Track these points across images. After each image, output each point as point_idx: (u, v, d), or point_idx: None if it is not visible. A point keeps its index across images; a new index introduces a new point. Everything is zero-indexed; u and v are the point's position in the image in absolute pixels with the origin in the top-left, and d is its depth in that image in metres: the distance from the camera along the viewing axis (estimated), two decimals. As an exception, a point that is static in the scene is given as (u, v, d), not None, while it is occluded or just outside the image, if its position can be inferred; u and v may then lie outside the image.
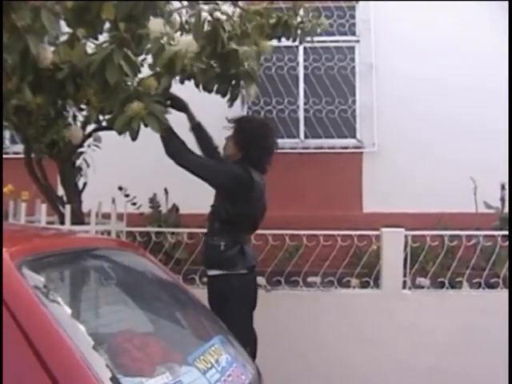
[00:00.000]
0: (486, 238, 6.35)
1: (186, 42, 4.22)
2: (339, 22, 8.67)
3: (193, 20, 4.66)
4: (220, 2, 4.67)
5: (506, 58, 8.06)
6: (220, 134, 4.84)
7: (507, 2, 7.91)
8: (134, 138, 4.21)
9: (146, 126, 4.17)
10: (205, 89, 4.86)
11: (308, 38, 5.47)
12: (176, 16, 4.84)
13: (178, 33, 4.50)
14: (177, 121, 4.57)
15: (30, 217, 5.65)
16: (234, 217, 4.67)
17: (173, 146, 4.54)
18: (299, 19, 5.26)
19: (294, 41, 5.38)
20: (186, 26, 4.93)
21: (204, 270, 4.95)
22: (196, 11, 4.54)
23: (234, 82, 4.92)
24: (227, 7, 4.86)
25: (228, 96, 4.97)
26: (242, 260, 4.68)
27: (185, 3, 5.01)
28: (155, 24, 4.21)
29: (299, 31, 5.29)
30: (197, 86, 4.74)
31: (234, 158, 4.76)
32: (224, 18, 4.54)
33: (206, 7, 4.56)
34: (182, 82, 4.71)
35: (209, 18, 4.49)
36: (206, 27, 4.50)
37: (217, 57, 4.65)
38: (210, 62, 4.70)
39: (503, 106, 7.76)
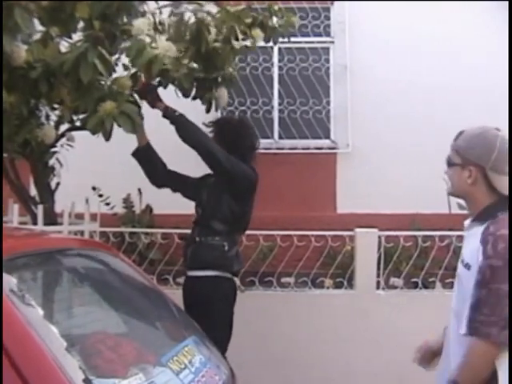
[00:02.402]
0: (458, 239, 6.38)
1: (165, 46, 4.21)
2: (314, 23, 8.67)
3: (172, 20, 4.65)
4: (203, 2, 4.63)
5: (481, 58, 8.15)
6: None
7: (486, 2, 8.00)
8: (107, 138, 4.18)
9: (119, 125, 4.15)
10: (184, 94, 4.84)
11: (282, 39, 5.47)
12: (149, 16, 4.81)
13: (163, 36, 4.48)
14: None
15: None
16: (238, 217, 4.69)
17: (189, 127, 4.54)
18: (274, 20, 5.25)
19: (269, 41, 5.37)
20: (160, 27, 4.89)
21: (180, 271, 4.93)
22: (179, 11, 4.53)
23: (213, 87, 4.92)
24: (211, 7, 4.83)
25: (205, 101, 4.98)
26: (237, 262, 4.71)
27: (161, 3, 5.00)
28: (140, 24, 4.20)
29: (274, 31, 5.26)
30: (180, 90, 4.70)
31: None
32: (209, 18, 4.50)
33: (190, 7, 4.54)
34: (165, 86, 4.67)
35: (192, 18, 4.47)
36: (190, 28, 4.47)
37: (200, 58, 4.63)
38: (190, 65, 4.68)
39: (479, 106, 7.82)
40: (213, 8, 4.81)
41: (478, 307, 2.63)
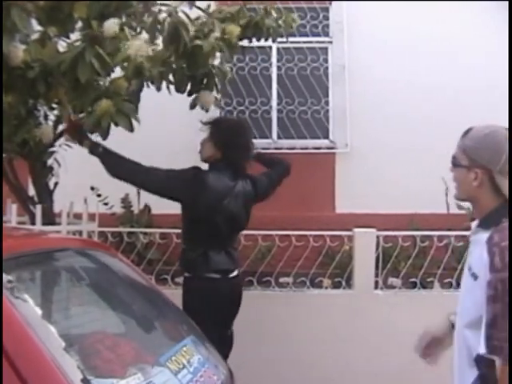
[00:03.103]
0: (457, 239, 6.39)
1: (135, 46, 4.19)
2: (312, 22, 8.67)
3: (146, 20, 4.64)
4: (177, 3, 4.57)
5: (480, 58, 8.14)
6: (197, 137, 4.82)
7: (485, 2, 8.01)
8: (104, 137, 4.19)
9: (116, 125, 4.15)
10: (177, 90, 4.84)
11: (282, 38, 5.47)
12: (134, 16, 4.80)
13: (143, 35, 4.47)
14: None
15: (1, 217, 5.61)
16: (187, 221, 4.75)
17: (113, 159, 4.56)
18: (271, 20, 5.24)
19: (267, 40, 5.37)
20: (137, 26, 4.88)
21: (179, 271, 4.96)
22: (152, 12, 4.51)
23: (204, 82, 4.92)
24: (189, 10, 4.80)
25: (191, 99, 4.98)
26: (204, 264, 4.65)
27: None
28: (110, 24, 4.19)
29: (271, 30, 5.25)
30: (157, 89, 4.67)
31: (213, 159, 4.78)
32: (185, 19, 4.46)
33: (164, 8, 4.52)
34: (147, 86, 4.66)
35: (168, 19, 4.44)
36: (167, 28, 4.45)
37: (181, 57, 4.61)
38: (178, 63, 4.67)
39: (478, 106, 7.82)
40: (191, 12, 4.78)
41: (495, 324, 2.49)
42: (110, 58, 4.19)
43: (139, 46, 4.18)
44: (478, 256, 2.65)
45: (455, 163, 2.84)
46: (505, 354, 2.45)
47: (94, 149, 4.52)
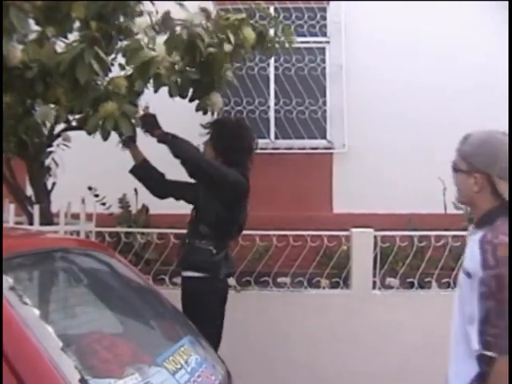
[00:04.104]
0: (454, 239, 6.38)
1: (163, 50, 4.21)
2: (310, 23, 8.67)
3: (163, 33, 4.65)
4: (195, 15, 4.59)
5: (479, 58, 8.14)
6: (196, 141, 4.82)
7: (484, 2, 8.01)
8: (105, 138, 4.19)
9: (116, 127, 4.15)
10: (180, 95, 4.83)
11: (280, 51, 5.49)
12: (146, 16, 4.80)
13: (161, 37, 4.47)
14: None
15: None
16: (226, 222, 4.70)
17: (181, 145, 4.56)
18: (272, 32, 5.24)
19: (265, 53, 5.42)
20: (157, 27, 4.89)
21: (176, 271, 4.95)
22: (170, 28, 4.51)
23: (207, 91, 4.93)
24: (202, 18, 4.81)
25: (201, 104, 4.99)
26: (226, 265, 4.72)
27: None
28: (142, 22, 4.20)
29: (269, 45, 5.24)
30: (170, 95, 4.69)
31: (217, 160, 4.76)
32: (200, 30, 4.48)
33: (179, 22, 4.52)
34: (155, 90, 4.66)
35: (185, 32, 4.45)
36: (183, 40, 4.46)
37: (197, 66, 4.63)
38: (185, 73, 4.67)
39: (477, 106, 7.83)
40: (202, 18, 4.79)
41: (488, 320, 2.55)
42: (126, 59, 4.22)
43: (163, 49, 4.22)
44: (471, 255, 2.71)
45: (455, 168, 2.90)
46: (499, 347, 2.50)
47: (165, 138, 4.56)
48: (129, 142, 4.83)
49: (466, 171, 2.83)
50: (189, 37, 4.40)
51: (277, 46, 5.26)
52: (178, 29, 4.48)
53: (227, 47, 4.59)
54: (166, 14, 4.59)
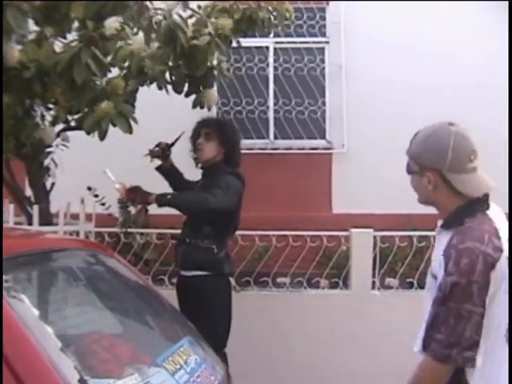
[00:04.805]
0: (454, 239, 6.37)
1: (139, 40, 4.20)
2: (309, 23, 8.67)
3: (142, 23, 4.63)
4: (172, 4, 4.56)
5: (479, 58, 8.15)
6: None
7: (484, 2, 8.01)
8: (102, 137, 4.19)
9: (114, 125, 4.15)
10: (175, 90, 4.84)
11: (277, 29, 5.43)
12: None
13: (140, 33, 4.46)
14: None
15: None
16: (225, 220, 4.75)
17: (186, 201, 4.66)
18: (265, 12, 5.17)
19: (262, 32, 5.36)
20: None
21: (176, 271, 4.96)
22: (146, 16, 4.50)
23: (202, 85, 4.92)
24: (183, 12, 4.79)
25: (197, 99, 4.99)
26: (228, 263, 4.80)
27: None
28: (111, 22, 4.19)
29: (266, 23, 5.18)
30: (159, 88, 4.68)
31: (214, 160, 4.81)
32: (179, 20, 4.45)
33: (159, 11, 4.51)
34: (141, 84, 4.63)
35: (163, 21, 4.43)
36: (162, 30, 4.44)
37: (180, 57, 4.61)
38: (176, 62, 4.66)
39: (477, 106, 7.82)
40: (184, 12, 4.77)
41: (435, 325, 2.49)
42: (111, 57, 4.21)
43: (141, 40, 4.20)
44: (436, 257, 2.62)
45: (408, 170, 2.88)
46: (436, 352, 2.50)
47: (162, 200, 4.58)
48: (167, 157, 4.97)
49: (419, 171, 2.76)
50: (167, 26, 4.37)
51: (275, 22, 5.22)
52: (158, 18, 4.48)
53: (205, 38, 4.54)
54: (142, 4, 4.59)
